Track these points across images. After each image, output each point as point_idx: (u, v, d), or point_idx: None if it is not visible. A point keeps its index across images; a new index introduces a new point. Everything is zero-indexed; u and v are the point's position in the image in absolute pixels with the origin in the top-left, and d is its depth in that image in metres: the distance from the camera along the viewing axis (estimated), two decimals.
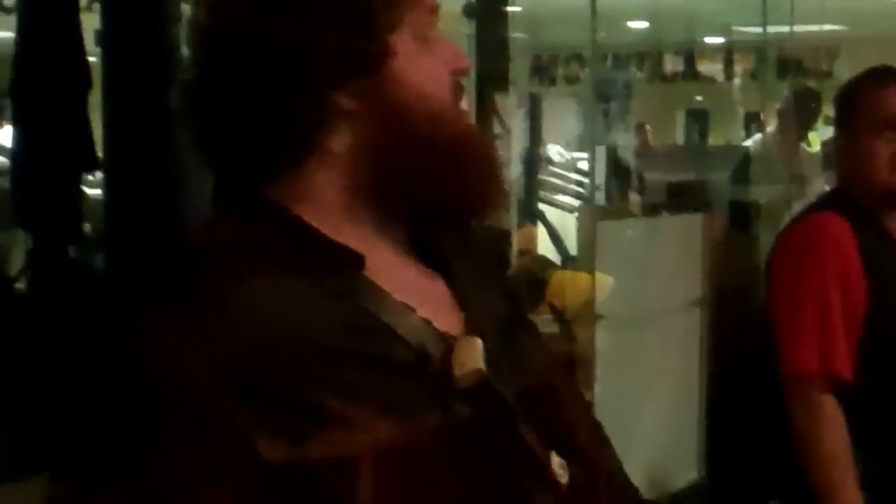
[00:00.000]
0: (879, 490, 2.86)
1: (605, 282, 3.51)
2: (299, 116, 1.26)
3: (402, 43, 1.27)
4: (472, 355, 1.30)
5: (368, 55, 1.25)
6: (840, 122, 3.10)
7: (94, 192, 2.28)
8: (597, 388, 3.21)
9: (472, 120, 1.39)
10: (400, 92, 1.27)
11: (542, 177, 7.39)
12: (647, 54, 9.45)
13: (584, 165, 7.69)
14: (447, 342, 1.30)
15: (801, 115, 7.12)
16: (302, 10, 1.23)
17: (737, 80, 9.32)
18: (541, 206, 6.95)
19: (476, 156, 1.32)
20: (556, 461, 1.35)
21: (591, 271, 3.50)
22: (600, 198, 6.87)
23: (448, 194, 1.30)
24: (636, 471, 1.62)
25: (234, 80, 1.26)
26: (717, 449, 3.25)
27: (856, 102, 3.03)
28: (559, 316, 3.89)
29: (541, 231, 6.72)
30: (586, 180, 7.45)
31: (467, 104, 1.36)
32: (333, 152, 1.28)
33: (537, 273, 4.41)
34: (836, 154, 3.16)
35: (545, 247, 6.21)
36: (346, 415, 1.20)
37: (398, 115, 1.27)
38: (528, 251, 5.51)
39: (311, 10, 1.23)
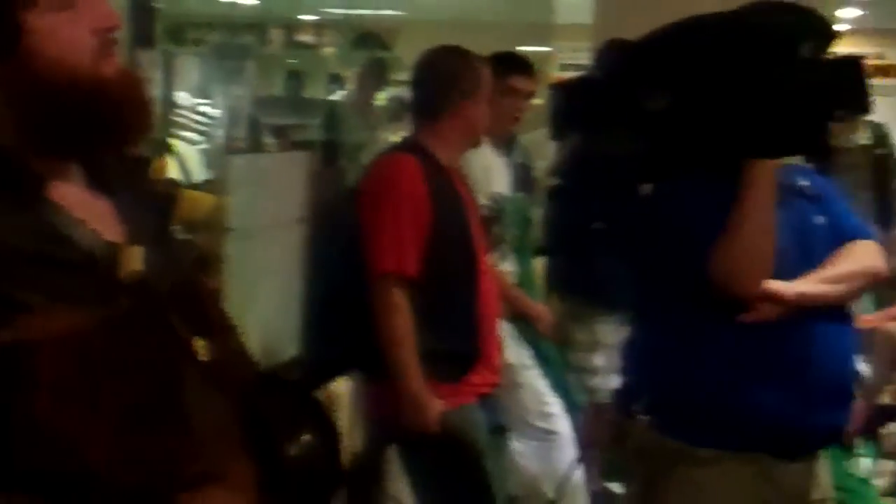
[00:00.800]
0: (438, 361, 2.95)
1: (224, 201, 3.49)
2: None
3: (40, 19, 1.21)
4: (132, 259, 1.29)
5: (2, 44, 1.21)
6: (449, 91, 3.08)
7: None
8: (225, 284, 3.19)
9: (123, 68, 1.35)
10: (38, 61, 1.22)
11: (172, 118, 7.21)
12: (257, 26, 9.31)
13: (204, 109, 7.58)
14: (112, 249, 1.28)
15: (372, 78, 7.22)
16: None
17: (326, 49, 9.33)
18: (171, 140, 6.77)
19: (118, 98, 1.28)
20: (199, 343, 1.34)
21: (220, 195, 3.49)
22: (222, 136, 6.85)
23: (92, 132, 1.27)
24: (254, 347, 1.66)
25: None
26: (312, 330, 3.25)
27: (479, 74, 3.11)
28: (189, 227, 3.83)
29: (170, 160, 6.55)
30: (206, 121, 7.40)
31: (118, 55, 1.32)
32: None
33: (170, 193, 4.30)
34: (423, 113, 3.17)
35: (174, 173, 6.05)
36: (30, 305, 1.16)
37: (37, 79, 1.23)
38: (162, 176, 5.36)
39: None
